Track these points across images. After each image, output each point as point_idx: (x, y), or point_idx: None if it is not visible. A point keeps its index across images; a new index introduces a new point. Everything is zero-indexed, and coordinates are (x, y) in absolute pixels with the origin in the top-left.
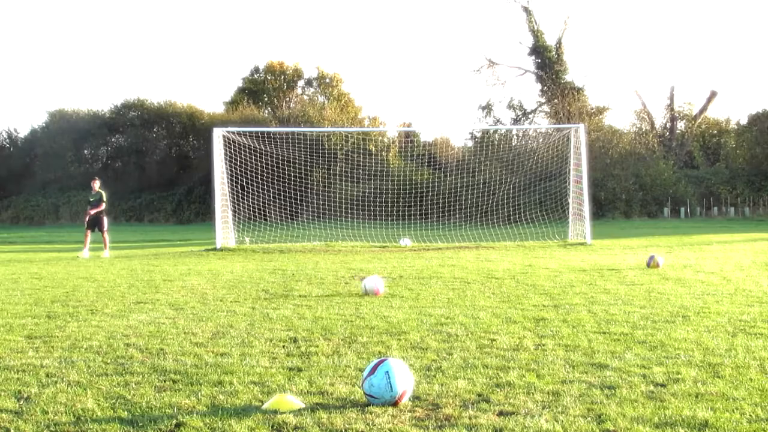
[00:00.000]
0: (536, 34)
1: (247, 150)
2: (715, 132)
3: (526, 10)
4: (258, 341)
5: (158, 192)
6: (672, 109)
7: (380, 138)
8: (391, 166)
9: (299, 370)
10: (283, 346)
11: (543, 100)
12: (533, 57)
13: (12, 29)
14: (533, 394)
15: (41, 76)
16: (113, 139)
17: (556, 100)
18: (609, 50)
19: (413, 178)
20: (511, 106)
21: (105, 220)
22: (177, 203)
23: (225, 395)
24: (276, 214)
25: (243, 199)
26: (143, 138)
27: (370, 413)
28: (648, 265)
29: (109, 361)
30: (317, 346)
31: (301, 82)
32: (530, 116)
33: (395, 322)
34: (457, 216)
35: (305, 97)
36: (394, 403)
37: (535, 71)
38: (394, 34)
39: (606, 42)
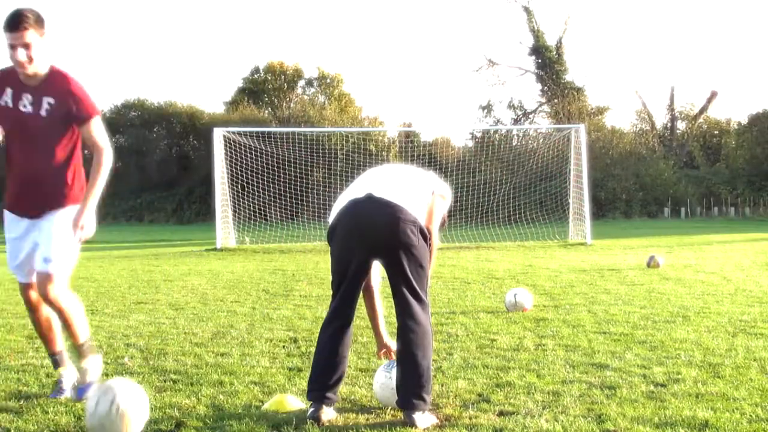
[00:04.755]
0: (536, 34)
1: (248, 150)
2: (716, 132)
3: (527, 10)
4: (258, 341)
5: (158, 192)
6: (672, 109)
7: (381, 138)
8: None
9: (300, 370)
10: (284, 347)
11: (543, 100)
12: (533, 57)
13: None
14: (533, 394)
15: None
16: (113, 139)
17: (556, 100)
18: (609, 50)
19: None
20: (511, 106)
21: None
22: (177, 203)
23: (225, 395)
24: (276, 214)
25: (243, 199)
26: (143, 138)
27: (371, 413)
28: (648, 265)
29: (109, 361)
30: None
31: (301, 83)
32: (530, 116)
33: (395, 322)
34: (458, 216)
35: (305, 98)
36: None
37: (536, 71)
38: (395, 34)
39: (606, 42)
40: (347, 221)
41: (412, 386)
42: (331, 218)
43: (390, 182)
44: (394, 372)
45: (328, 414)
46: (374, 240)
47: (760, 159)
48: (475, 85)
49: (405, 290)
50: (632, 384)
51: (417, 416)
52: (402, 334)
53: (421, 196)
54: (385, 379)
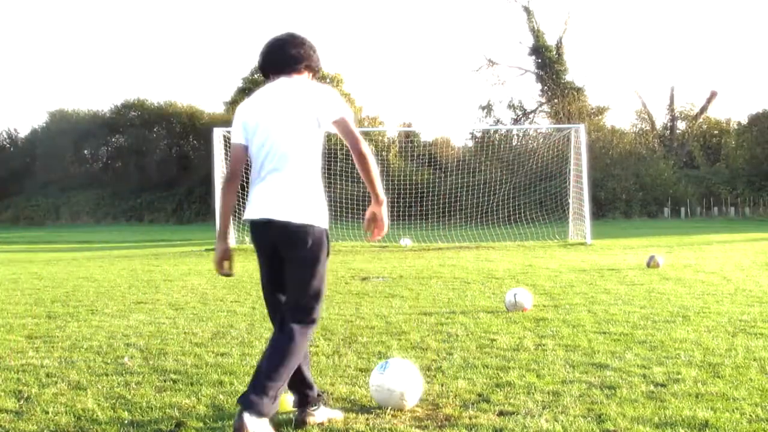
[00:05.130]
0: (537, 34)
1: None
2: (716, 132)
3: (527, 10)
4: (258, 341)
5: (158, 192)
6: (672, 109)
7: (380, 138)
8: (392, 166)
9: None
10: None
11: (543, 100)
12: (533, 57)
13: (12, 29)
14: (533, 394)
15: (41, 76)
16: (113, 139)
17: (556, 100)
18: (609, 50)
19: (413, 178)
20: (511, 106)
21: None
22: (177, 203)
23: (225, 395)
24: None
25: (243, 198)
26: (143, 138)
27: (370, 413)
28: (648, 265)
29: (109, 361)
30: (317, 346)
31: None
32: (530, 116)
33: (395, 322)
34: (458, 216)
35: None
36: None
37: (536, 71)
38: (394, 34)
39: (606, 42)
40: (259, 249)
41: (260, 385)
42: (245, 218)
43: (281, 181)
44: (388, 372)
45: (320, 415)
46: (283, 257)
47: (760, 159)
48: (475, 85)
49: (296, 300)
50: (632, 384)
51: (246, 416)
52: (274, 339)
53: (312, 161)
54: (381, 380)
